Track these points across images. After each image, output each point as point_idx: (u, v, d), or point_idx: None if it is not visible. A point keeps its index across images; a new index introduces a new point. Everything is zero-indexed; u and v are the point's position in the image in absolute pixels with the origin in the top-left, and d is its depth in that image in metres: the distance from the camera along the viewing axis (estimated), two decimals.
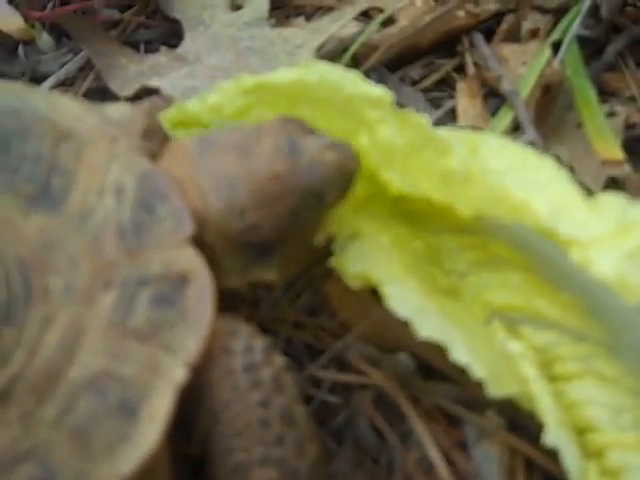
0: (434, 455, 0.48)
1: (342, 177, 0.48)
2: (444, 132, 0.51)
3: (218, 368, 0.43)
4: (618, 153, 0.61)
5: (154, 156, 0.48)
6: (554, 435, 0.44)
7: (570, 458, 0.43)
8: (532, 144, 0.64)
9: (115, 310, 0.41)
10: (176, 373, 0.40)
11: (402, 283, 0.49)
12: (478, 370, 0.46)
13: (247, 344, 0.44)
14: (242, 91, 0.54)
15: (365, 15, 0.79)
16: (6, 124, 0.45)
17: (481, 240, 0.52)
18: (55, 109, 0.47)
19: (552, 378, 0.48)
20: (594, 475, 0.43)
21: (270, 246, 0.48)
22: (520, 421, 0.48)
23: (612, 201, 0.47)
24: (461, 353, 0.46)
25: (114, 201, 0.44)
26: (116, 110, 0.54)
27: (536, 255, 0.49)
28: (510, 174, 0.49)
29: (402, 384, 0.51)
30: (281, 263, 0.49)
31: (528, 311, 0.50)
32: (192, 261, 0.43)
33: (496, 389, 0.46)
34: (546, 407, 0.45)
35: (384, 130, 0.52)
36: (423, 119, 0.51)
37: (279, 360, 0.44)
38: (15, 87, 0.49)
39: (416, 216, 0.55)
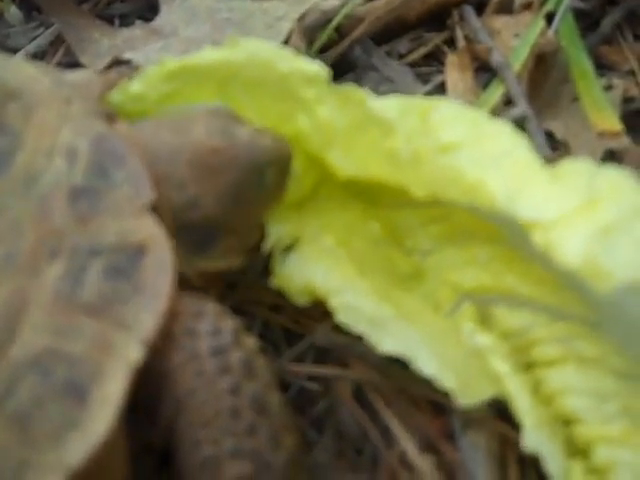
0: (411, 450, 0.44)
1: (280, 158, 0.47)
2: (393, 101, 0.46)
3: (182, 352, 0.39)
4: (616, 124, 0.57)
5: (111, 120, 0.44)
6: (533, 438, 0.40)
7: (552, 461, 0.39)
8: (524, 118, 0.60)
9: (62, 282, 0.36)
10: (130, 351, 0.36)
11: (352, 290, 0.45)
12: (446, 380, 0.42)
13: (214, 326, 0.39)
14: (166, 76, 0.50)
15: None
16: None
17: (443, 213, 0.48)
18: (5, 69, 0.44)
19: (530, 365, 0.44)
20: (579, 475, 0.39)
21: (212, 231, 0.45)
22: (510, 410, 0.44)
23: (576, 168, 0.41)
24: (426, 364, 0.42)
25: (65, 164, 0.40)
26: (75, 75, 0.50)
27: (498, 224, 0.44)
28: (463, 149, 0.44)
29: (384, 373, 0.47)
30: (223, 253, 0.46)
31: (499, 290, 0.46)
32: (150, 231, 0.39)
33: (467, 398, 0.42)
34: (523, 407, 0.41)
35: (323, 110, 0.48)
36: (364, 95, 0.46)
37: (251, 343, 0.40)
38: None
39: (371, 194, 0.50)
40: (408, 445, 0.44)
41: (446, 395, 0.44)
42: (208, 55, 0.49)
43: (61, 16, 0.72)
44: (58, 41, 0.74)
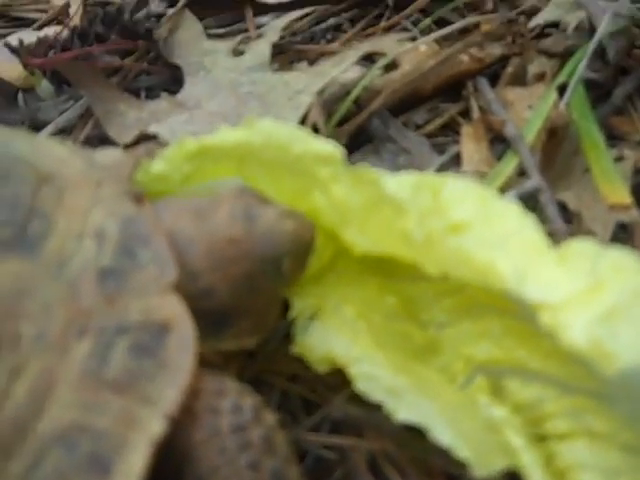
0: None
1: (300, 245, 0.47)
2: (405, 179, 0.47)
3: (204, 429, 0.40)
4: (626, 197, 0.58)
5: (139, 201, 0.46)
6: None
7: None
8: (537, 190, 0.62)
9: (89, 360, 0.38)
10: (153, 425, 0.37)
11: (370, 360, 0.46)
12: (462, 450, 0.42)
13: (235, 403, 0.41)
14: (186, 156, 0.52)
15: (368, 60, 0.77)
16: None
17: (458, 285, 0.49)
18: (38, 152, 0.46)
19: (542, 438, 0.44)
20: None
21: (226, 316, 0.46)
22: None
23: (581, 249, 0.43)
24: (442, 433, 0.43)
25: (94, 246, 0.41)
26: (105, 155, 0.52)
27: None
28: (472, 229, 0.45)
29: (399, 444, 0.47)
30: (237, 335, 0.47)
31: (510, 364, 0.47)
32: (174, 309, 0.41)
33: (482, 468, 0.42)
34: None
35: (338, 189, 0.49)
36: (377, 175, 0.48)
37: (270, 419, 0.41)
38: None
39: (387, 267, 0.51)
40: None
41: (461, 467, 0.44)
42: (226, 135, 0.51)
43: (89, 89, 0.74)
44: (87, 114, 0.76)
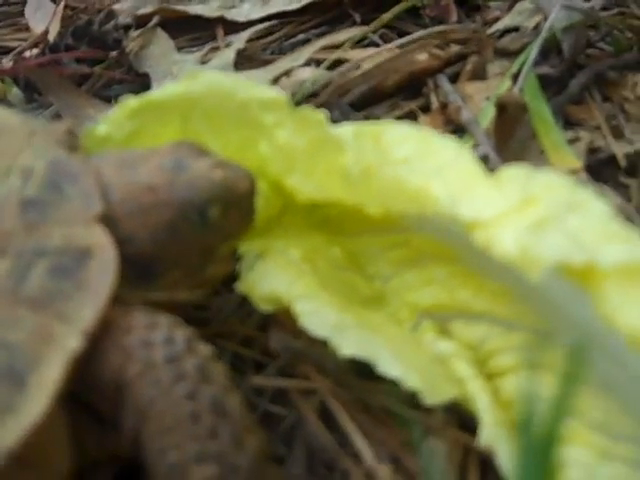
0: (373, 462, 0.43)
1: (229, 195, 0.46)
2: (345, 127, 0.48)
3: (138, 363, 0.39)
4: (574, 162, 0.58)
5: (75, 149, 0.46)
6: (490, 434, 0.40)
7: (507, 458, 0.39)
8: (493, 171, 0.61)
9: (7, 278, 0.38)
10: (70, 341, 0.37)
11: (315, 299, 0.45)
12: (411, 380, 0.41)
13: (167, 335, 0.40)
14: (128, 115, 0.51)
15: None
16: None
17: (403, 238, 0.49)
18: None
19: (488, 375, 0.44)
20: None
21: (151, 265, 0.45)
22: (471, 419, 0.43)
23: (515, 173, 0.42)
24: (390, 365, 0.42)
25: (20, 180, 0.41)
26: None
27: (449, 242, 0.46)
28: (409, 162, 0.45)
29: (341, 384, 0.47)
30: (169, 286, 0.46)
31: (455, 307, 0.46)
32: (97, 237, 0.41)
33: (432, 397, 0.42)
34: (482, 406, 0.41)
35: (283, 134, 0.48)
36: (321, 116, 0.48)
37: (204, 349, 0.40)
38: None
39: (333, 222, 0.51)
40: (371, 458, 0.44)
41: (406, 407, 0.44)
42: (168, 90, 0.51)
43: (58, 95, 0.75)
44: (56, 120, 0.76)
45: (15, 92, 0.78)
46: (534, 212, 0.40)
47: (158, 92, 0.51)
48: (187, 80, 0.50)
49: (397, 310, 0.48)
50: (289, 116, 0.48)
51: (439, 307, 0.47)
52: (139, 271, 0.44)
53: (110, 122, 0.52)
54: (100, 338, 0.38)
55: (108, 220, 0.42)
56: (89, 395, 0.39)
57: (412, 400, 0.44)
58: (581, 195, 0.40)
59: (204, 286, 0.49)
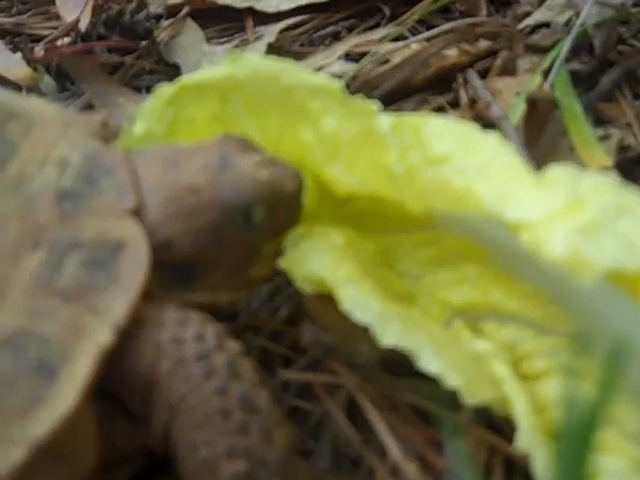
0: (400, 459, 0.43)
1: (275, 196, 0.44)
2: (387, 118, 0.45)
3: (169, 360, 0.39)
4: (605, 160, 0.57)
5: (110, 142, 0.46)
6: (526, 439, 0.39)
7: (541, 464, 0.38)
8: None
9: (42, 269, 0.38)
10: (100, 335, 0.37)
11: (359, 285, 0.44)
12: (451, 378, 0.41)
13: (198, 332, 0.40)
14: (166, 103, 0.50)
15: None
16: None
17: (434, 236, 0.47)
18: (14, 97, 0.47)
19: (521, 377, 0.43)
20: None
21: (192, 267, 0.44)
22: (498, 419, 0.43)
23: (561, 174, 0.41)
24: (430, 361, 0.41)
25: (56, 171, 0.41)
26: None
27: (489, 244, 0.45)
28: (451, 160, 0.43)
29: (373, 383, 0.46)
30: (211, 288, 0.45)
31: (487, 307, 0.45)
32: (130, 230, 0.40)
33: (472, 396, 0.41)
34: (519, 409, 0.40)
35: (328, 122, 0.46)
36: (373, 107, 0.45)
37: (234, 346, 0.40)
38: None
39: (364, 218, 0.49)
40: (397, 454, 0.43)
41: (434, 404, 0.44)
42: (207, 73, 0.49)
43: (89, 83, 0.75)
44: (87, 110, 0.76)
45: (47, 80, 0.78)
46: (583, 215, 0.38)
47: (195, 75, 0.49)
48: (229, 63, 0.48)
49: (428, 308, 0.46)
50: (338, 104, 0.46)
51: (471, 306, 0.46)
52: (179, 274, 0.43)
53: (148, 116, 0.50)
54: (132, 334, 0.38)
55: (148, 223, 0.42)
56: (120, 390, 0.39)
57: (440, 398, 0.44)
58: (630, 198, 0.39)
59: (247, 287, 0.48)
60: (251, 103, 0.48)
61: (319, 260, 0.45)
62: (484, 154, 0.43)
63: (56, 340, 0.36)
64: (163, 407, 0.38)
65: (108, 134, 0.47)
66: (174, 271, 0.43)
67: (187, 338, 0.39)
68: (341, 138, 0.46)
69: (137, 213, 0.41)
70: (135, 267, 0.39)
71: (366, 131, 0.45)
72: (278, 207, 0.45)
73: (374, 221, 0.50)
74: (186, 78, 0.49)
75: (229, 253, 0.44)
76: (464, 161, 0.43)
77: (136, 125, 0.51)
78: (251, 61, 0.47)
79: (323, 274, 0.44)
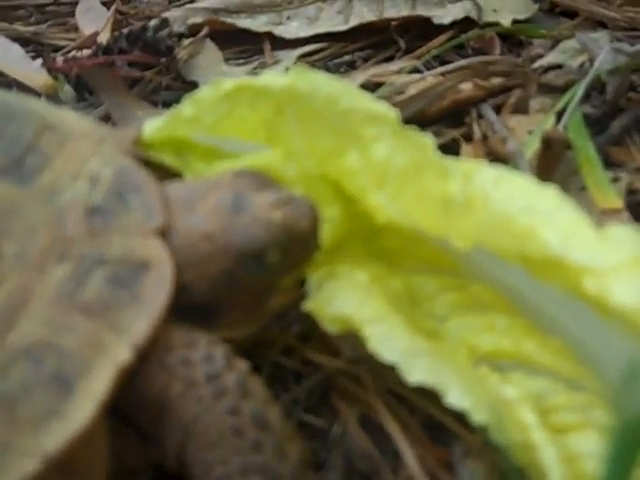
0: (418, 476, 0.42)
1: (290, 237, 0.43)
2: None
3: (179, 382, 0.38)
4: (617, 202, 0.56)
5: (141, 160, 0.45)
6: None
7: None
8: None
9: (66, 282, 0.37)
10: (120, 353, 0.36)
11: (385, 323, 0.43)
12: (479, 414, 0.39)
13: (206, 353, 0.39)
14: (222, 96, 0.48)
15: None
16: None
17: (461, 282, 0.46)
18: (50, 109, 0.46)
19: (549, 428, 0.41)
20: None
21: (210, 310, 0.43)
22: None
23: (623, 233, 0.40)
24: (458, 397, 0.39)
25: (87, 186, 0.41)
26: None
27: (516, 296, 0.43)
28: (512, 201, 0.42)
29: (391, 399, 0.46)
30: (230, 326, 0.44)
31: (518, 356, 0.43)
32: (156, 250, 0.39)
33: (499, 436, 0.39)
34: (549, 457, 0.39)
35: (380, 149, 0.45)
36: (428, 140, 0.45)
37: (242, 365, 0.39)
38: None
39: (392, 254, 0.48)
40: (414, 468, 0.43)
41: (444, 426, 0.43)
42: (269, 79, 0.47)
43: (109, 94, 0.74)
44: (104, 120, 0.75)
45: (67, 90, 0.77)
46: None
47: (257, 78, 0.47)
48: (293, 74, 0.47)
49: (455, 350, 0.45)
50: (392, 133, 0.45)
51: (500, 354, 0.44)
52: (198, 315, 0.42)
53: (199, 103, 0.49)
54: (142, 356, 0.37)
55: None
56: (130, 410, 0.38)
57: (454, 418, 0.44)
58: None
59: (265, 316, 0.47)
60: (305, 120, 0.47)
61: (344, 300, 0.44)
62: (547, 201, 0.42)
63: (75, 354, 0.35)
64: (176, 428, 0.38)
65: (139, 152, 0.46)
66: (193, 312, 0.42)
67: (196, 360, 0.38)
68: (391, 167, 0.45)
69: (164, 233, 0.40)
70: (159, 287, 0.38)
71: (421, 163, 0.44)
72: (293, 246, 0.44)
73: (402, 259, 0.48)
74: (248, 79, 0.48)
75: (246, 294, 0.44)
76: (528, 202, 0.42)
77: (183, 108, 0.50)
78: (314, 78, 0.46)
79: (349, 313, 0.43)
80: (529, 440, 0.39)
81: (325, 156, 0.47)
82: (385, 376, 0.45)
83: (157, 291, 0.38)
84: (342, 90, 0.46)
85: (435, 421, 0.45)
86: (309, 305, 0.45)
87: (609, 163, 0.67)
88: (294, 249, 0.44)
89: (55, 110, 0.46)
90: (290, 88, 0.47)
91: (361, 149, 0.46)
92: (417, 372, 0.40)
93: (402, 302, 0.47)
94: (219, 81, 0.49)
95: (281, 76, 0.47)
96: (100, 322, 0.36)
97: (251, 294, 0.44)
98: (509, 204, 0.42)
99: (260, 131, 0.49)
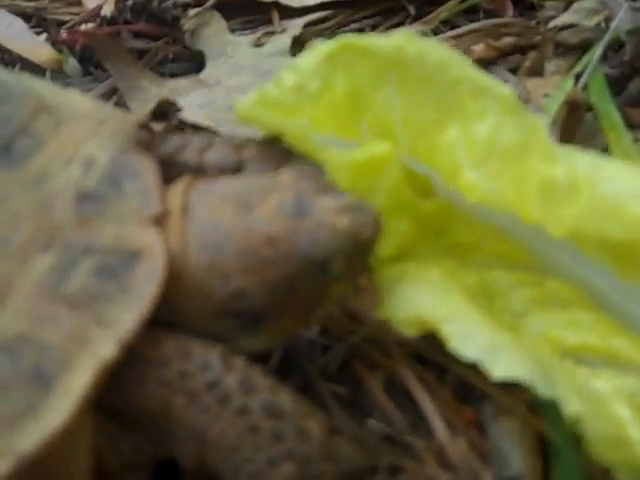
0: (446, 436, 0.39)
1: (354, 245, 0.37)
2: None
3: (181, 396, 0.34)
4: None
5: (145, 147, 0.39)
6: None
7: None
8: None
9: (50, 273, 0.32)
10: (104, 348, 0.31)
11: (464, 319, 0.38)
12: (572, 405, 0.34)
13: (203, 361, 0.35)
14: (324, 59, 0.42)
15: None
16: None
17: (537, 278, 0.41)
18: (51, 90, 0.41)
19: None
20: None
21: (260, 317, 0.37)
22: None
23: None
24: (548, 389, 0.35)
25: (80, 170, 0.36)
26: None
27: (606, 296, 0.38)
28: (621, 187, 0.37)
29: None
30: (273, 334, 0.38)
31: (606, 352, 0.38)
32: (149, 239, 0.34)
33: (595, 428, 0.34)
34: None
35: (484, 126, 0.39)
36: (540, 121, 0.39)
37: (240, 361, 0.35)
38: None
39: (463, 250, 0.43)
40: (443, 434, 0.40)
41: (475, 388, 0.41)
42: (376, 39, 0.41)
43: (114, 64, 0.69)
44: (110, 93, 0.70)
45: (72, 63, 0.70)
46: None
47: (364, 38, 0.41)
48: (401, 38, 0.41)
49: (538, 344, 0.39)
50: (500, 110, 0.39)
51: (587, 349, 0.39)
52: (245, 322, 0.37)
53: (300, 70, 0.42)
54: (137, 374, 0.34)
55: (218, 274, 0.36)
56: (135, 425, 0.35)
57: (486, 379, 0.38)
58: None
59: (308, 325, 0.43)
60: (408, 87, 0.41)
61: (417, 301, 0.39)
62: None
63: (56, 348, 0.30)
64: (187, 439, 0.34)
65: (143, 136, 0.40)
66: (240, 319, 0.37)
67: (194, 370, 0.35)
68: (493, 145, 0.39)
69: (160, 221, 0.35)
70: (149, 279, 0.33)
71: (526, 142, 0.39)
72: (356, 254, 0.38)
73: (474, 254, 0.43)
74: (353, 37, 0.42)
75: (300, 301, 0.38)
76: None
77: (285, 77, 0.43)
78: (423, 43, 0.41)
79: (423, 314, 0.39)
80: (623, 435, 0.34)
81: (422, 130, 0.41)
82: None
83: (147, 283, 0.33)
84: (453, 59, 0.40)
85: (466, 384, 0.42)
86: (382, 312, 0.40)
87: (628, 124, 0.61)
88: (356, 257, 0.38)
89: (58, 91, 0.41)
90: (398, 51, 0.41)
91: (462, 124, 0.40)
92: (501, 367, 0.36)
93: (477, 298, 0.41)
94: (318, 45, 0.42)
95: (389, 38, 0.41)
96: (84, 315, 0.31)
97: (304, 302, 0.38)
98: (618, 190, 0.37)
99: (345, 106, 0.43)
